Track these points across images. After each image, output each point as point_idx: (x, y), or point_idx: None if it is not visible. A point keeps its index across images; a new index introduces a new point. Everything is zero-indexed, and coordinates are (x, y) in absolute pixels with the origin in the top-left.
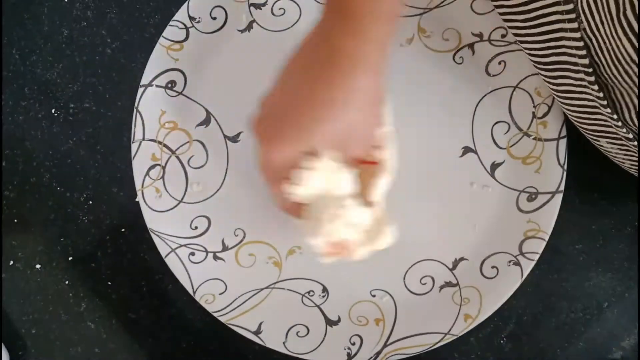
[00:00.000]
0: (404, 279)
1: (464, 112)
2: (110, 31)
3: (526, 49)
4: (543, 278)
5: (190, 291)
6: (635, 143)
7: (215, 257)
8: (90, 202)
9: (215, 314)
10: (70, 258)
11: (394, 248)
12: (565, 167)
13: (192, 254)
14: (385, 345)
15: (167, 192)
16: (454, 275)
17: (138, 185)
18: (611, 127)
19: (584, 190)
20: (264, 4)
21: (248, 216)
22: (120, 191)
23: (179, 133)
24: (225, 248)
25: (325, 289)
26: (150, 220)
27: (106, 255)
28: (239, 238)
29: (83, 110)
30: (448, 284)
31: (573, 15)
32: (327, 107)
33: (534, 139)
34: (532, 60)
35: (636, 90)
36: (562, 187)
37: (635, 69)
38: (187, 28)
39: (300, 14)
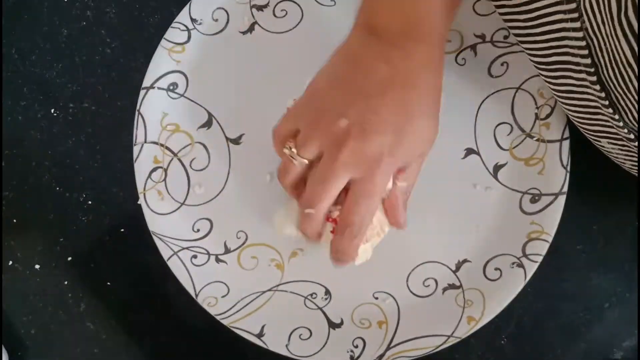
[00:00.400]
0: (407, 281)
1: (466, 114)
2: (110, 31)
3: (527, 49)
4: (544, 278)
5: (193, 294)
6: (637, 143)
7: (218, 260)
8: (90, 203)
9: (217, 317)
10: (69, 258)
11: (396, 250)
12: (569, 168)
13: (195, 256)
14: (388, 348)
15: (169, 194)
16: (457, 278)
17: (140, 188)
18: (612, 127)
19: (585, 191)
20: (266, 6)
21: (250, 218)
22: (119, 191)
23: (181, 135)
24: (227, 251)
25: (327, 292)
26: (152, 223)
27: (106, 255)
28: (241, 240)
29: (82, 110)
30: (451, 286)
31: (576, 15)
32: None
33: (537, 140)
34: (532, 61)
35: (632, 94)
36: (565, 189)
37: (632, 73)
38: (188, 30)
39: (302, 16)
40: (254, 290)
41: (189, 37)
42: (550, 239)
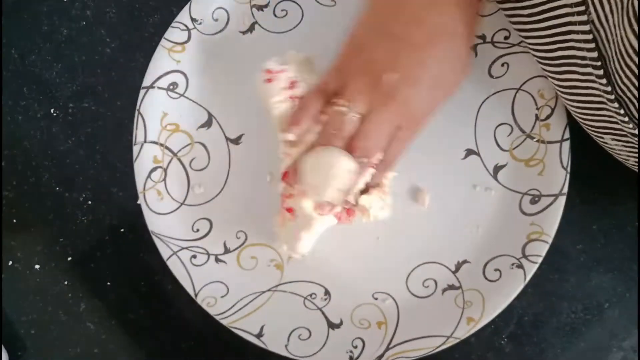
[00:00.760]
0: (407, 281)
1: (466, 114)
2: (110, 31)
3: (531, 44)
4: (544, 278)
5: (192, 294)
6: None
7: (217, 260)
8: (90, 202)
9: (217, 317)
10: (69, 258)
11: (396, 251)
12: (569, 169)
13: (194, 256)
14: (387, 349)
15: (169, 194)
16: (457, 278)
17: (140, 188)
18: (617, 122)
19: (585, 190)
20: (266, 6)
21: (250, 219)
22: (119, 191)
23: (181, 135)
24: (227, 251)
25: (327, 292)
26: (152, 222)
27: (105, 255)
28: (240, 241)
29: (82, 110)
30: (451, 287)
31: (582, 8)
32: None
33: (537, 141)
34: (536, 56)
35: (637, 85)
36: (565, 190)
37: (637, 61)
38: (189, 30)
39: (303, 16)
40: (253, 291)
41: (189, 37)
42: (550, 240)
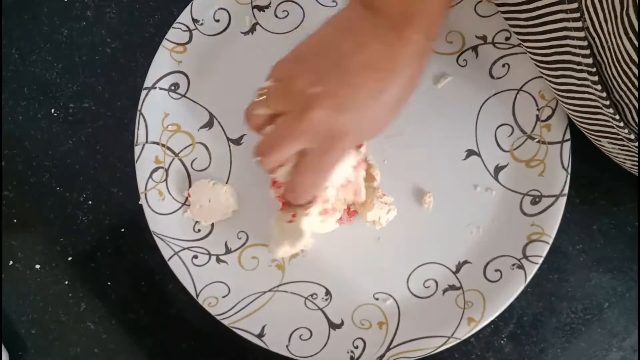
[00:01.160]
0: (407, 282)
1: (467, 115)
2: (110, 31)
3: (528, 47)
4: (543, 278)
5: (193, 294)
6: (637, 144)
7: (218, 260)
8: (90, 202)
9: (218, 317)
10: (69, 258)
11: (397, 251)
12: (569, 170)
13: (195, 256)
14: (388, 349)
15: (170, 194)
16: (458, 279)
17: (141, 188)
18: (613, 127)
19: (584, 191)
20: (268, 6)
21: (251, 219)
22: (120, 191)
23: (182, 135)
24: (228, 251)
25: (328, 292)
26: (153, 223)
27: (106, 255)
28: (242, 241)
29: (83, 110)
30: (451, 287)
31: (577, 15)
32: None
33: (538, 142)
34: (533, 60)
35: (634, 91)
36: (565, 191)
37: (635, 70)
38: (190, 30)
39: (304, 17)
40: (254, 291)
41: (191, 38)
42: (550, 241)
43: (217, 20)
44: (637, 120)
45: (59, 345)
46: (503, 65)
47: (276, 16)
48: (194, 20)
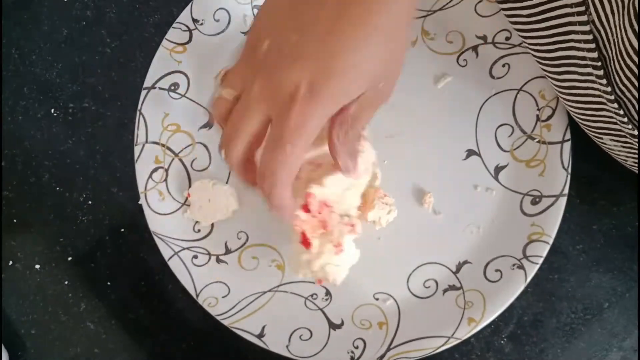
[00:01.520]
0: (408, 282)
1: (467, 115)
2: (110, 31)
3: (530, 44)
4: (543, 278)
5: (193, 294)
6: (638, 139)
7: (218, 260)
8: (90, 202)
9: (218, 318)
10: (69, 258)
11: (397, 251)
12: (570, 170)
13: (195, 257)
14: (388, 349)
15: (170, 194)
16: (458, 279)
17: (141, 188)
18: (616, 123)
19: (584, 191)
20: None
21: (251, 219)
22: (119, 191)
23: (182, 135)
24: (228, 251)
25: (328, 292)
26: (153, 223)
27: (105, 255)
28: (241, 241)
29: (82, 110)
30: (452, 288)
31: (582, 8)
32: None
33: (538, 142)
34: (536, 56)
35: (637, 85)
36: (566, 191)
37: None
38: (190, 30)
39: None
40: (254, 291)
41: (191, 38)
42: (550, 241)
43: (217, 20)
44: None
45: (59, 345)
46: (503, 65)
47: None
48: (194, 20)
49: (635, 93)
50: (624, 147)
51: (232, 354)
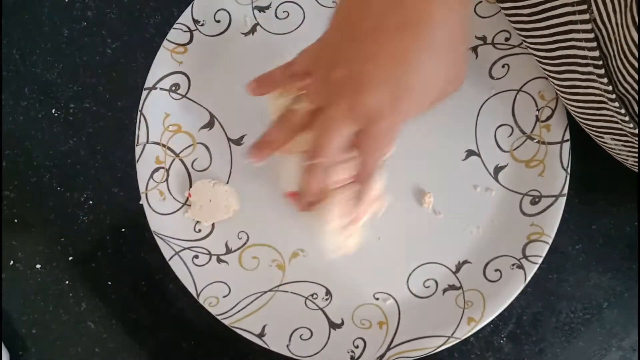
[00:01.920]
0: (408, 282)
1: (467, 115)
2: (111, 31)
3: (531, 44)
4: (543, 278)
5: (194, 294)
6: (638, 137)
7: (219, 260)
8: (91, 202)
9: (219, 317)
10: (70, 258)
11: (397, 251)
12: (569, 170)
13: (196, 256)
14: (388, 349)
15: (171, 195)
16: (457, 279)
17: (142, 188)
18: (617, 122)
19: (584, 191)
20: (268, 7)
21: (251, 219)
22: (120, 191)
23: (183, 136)
24: (228, 251)
25: (328, 292)
26: (154, 223)
27: (106, 255)
28: (242, 241)
29: (83, 111)
30: (451, 287)
31: (584, 7)
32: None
33: (538, 142)
34: (536, 56)
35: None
36: (565, 191)
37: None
38: (191, 31)
39: (304, 17)
40: (255, 291)
41: (191, 38)
42: (550, 241)
43: (218, 21)
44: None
45: (60, 344)
46: (503, 66)
47: (276, 17)
48: (195, 21)
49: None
50: (625, 146)
51: (232, 354)
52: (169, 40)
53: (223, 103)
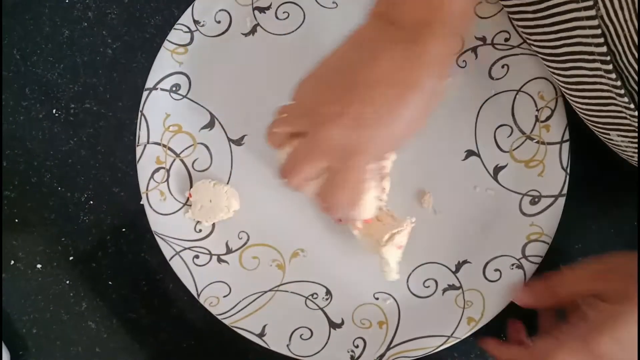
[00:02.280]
0: (407, 281)
1: (467, 116)
2: (111, 32)
3: (535, 41)
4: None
5: (195, 294)
6: None
7: (219, 260)
8: (91, 202)
9: (219, 317)
10: (70, 258)
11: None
12: (568, 170)
13: (197, 256)
14: (388, 348)
15: (172, 195)
16: (457, 278)
17: (143, 188)
18: (625, 118)
19: (584, 191)
20: (268, 8)
21: (252, 219)
22: (121, 191)
23: (183, 136)
24: (229, 251)
25: (328, 292)
26: (155, 223)
27: (107, 255)
28: (242, 241)
29: (84, 111)
30: (451, 287)
31: (590, 3)
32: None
33: (537, 142)
34: (541, 54)
35: None
36: (565, 191)
37: None
38: (191, 32)
39: (304, 18)
40: (255, 290)
41: (192, 39)
42: (549, 241)
43: (218, 22)
44: None
45: (60, 344)
46: (502, 66)
47: (277, 17)
48: (195, 22)
49: None
50: (631, 142)
51: (232, 353)
52: (169, 41)
53: (223, 103)
